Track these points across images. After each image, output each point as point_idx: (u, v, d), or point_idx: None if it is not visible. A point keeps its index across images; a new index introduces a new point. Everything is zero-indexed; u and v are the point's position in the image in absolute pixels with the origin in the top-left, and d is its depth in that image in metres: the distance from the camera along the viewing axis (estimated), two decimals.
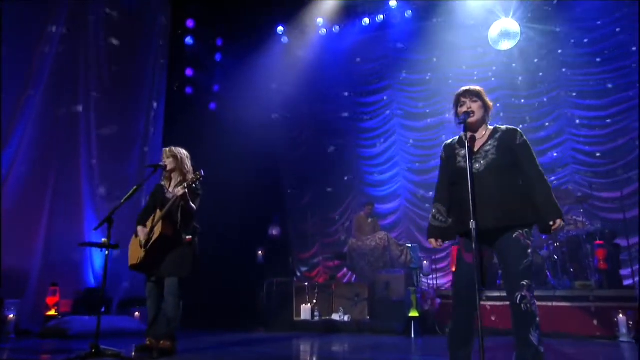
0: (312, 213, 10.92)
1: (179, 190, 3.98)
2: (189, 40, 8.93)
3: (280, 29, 10.51)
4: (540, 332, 2.71)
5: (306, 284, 7.32)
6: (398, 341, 5.73)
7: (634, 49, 8.37)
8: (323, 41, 10.54)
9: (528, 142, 2.88)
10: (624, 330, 5.65)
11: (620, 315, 5.71)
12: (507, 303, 2.84)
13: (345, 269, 10.34)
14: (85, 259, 7.12)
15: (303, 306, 6.99)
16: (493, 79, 9.65)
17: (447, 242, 3.10)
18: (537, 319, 2.73)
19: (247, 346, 5.38)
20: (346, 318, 6.70)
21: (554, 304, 5.93)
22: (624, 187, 8.20)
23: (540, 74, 9.18)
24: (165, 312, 4.13)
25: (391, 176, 10.51)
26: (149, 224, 4.15)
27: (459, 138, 3.04)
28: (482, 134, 2.95)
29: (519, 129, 2.94)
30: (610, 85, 8.49)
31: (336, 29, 10.43)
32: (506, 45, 8.05)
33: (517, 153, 2.84)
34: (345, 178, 10.80)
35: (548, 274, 6.49)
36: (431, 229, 3.04)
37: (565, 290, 6.11)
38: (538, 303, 2.72)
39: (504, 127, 2.98)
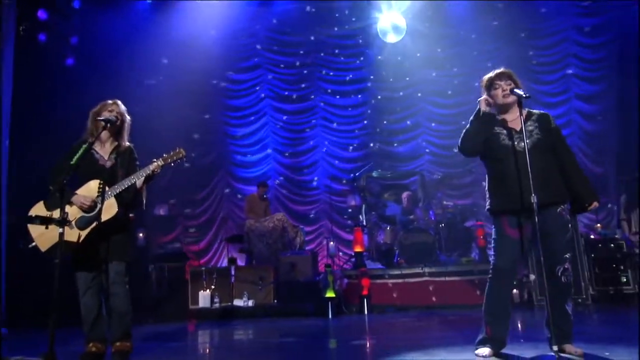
0: (171, 193, 9.95)
1: (157, 164, 3.27)
2: None
3: None
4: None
5: (203, 268, 6.65)
6: (318, 323, 5.64)
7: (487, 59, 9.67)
8: (195, 7, 9.63)
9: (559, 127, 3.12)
10: None
11: None
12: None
13: (210, 254, 9.77)
14: None
15: (201, 292, 6.34)
16: (364, 69, 10.15)
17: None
18: (573, 289, 3.01)
19: (155, 340, 4.70)
20: (250, 303, 6.32)
21: (447, 278, 6.57)
22: (467, 176, 9.56)
23: (407, 78, 9.97)
24: (115, 307, 3.30)
25: (261, 158, 10.25)
26: (85, 194, 3.21)
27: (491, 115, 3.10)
28: (515, 115, 3.04)
29: (550, 115, 3.15)
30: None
31: None
32: (392, 38, 8.51)
33: (553, 135, 3.04)
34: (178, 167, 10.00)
35: (438, 252, 7.12)
36: None
37: (454, 265, 6.81)
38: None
39: (536, 111, 3.15)
